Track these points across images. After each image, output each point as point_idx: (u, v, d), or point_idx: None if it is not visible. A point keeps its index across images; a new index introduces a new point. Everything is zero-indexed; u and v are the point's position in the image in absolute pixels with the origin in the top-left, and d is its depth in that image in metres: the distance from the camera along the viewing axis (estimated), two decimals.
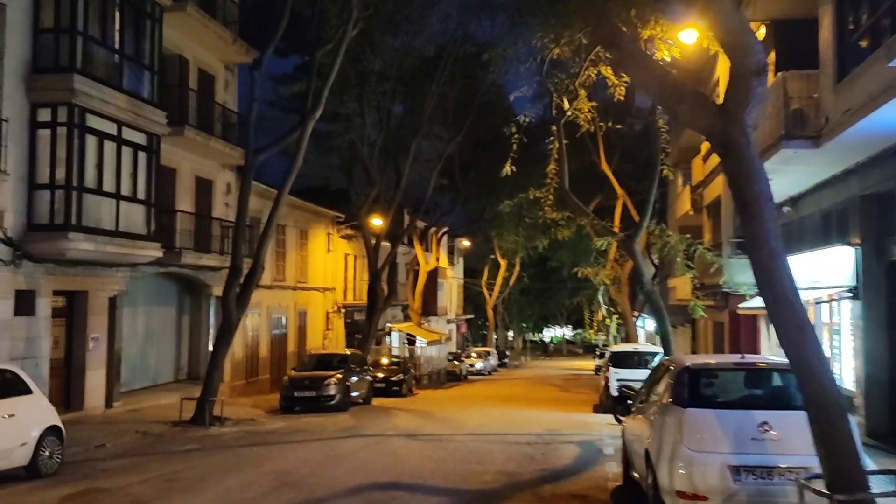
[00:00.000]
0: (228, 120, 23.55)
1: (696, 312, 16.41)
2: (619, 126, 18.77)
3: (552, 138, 17.78)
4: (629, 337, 32.60)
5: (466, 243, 56.58)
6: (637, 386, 18.80)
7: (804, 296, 6.91)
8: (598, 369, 51.78)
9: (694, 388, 7.13)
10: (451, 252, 58.55)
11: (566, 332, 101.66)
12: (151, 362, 22.33)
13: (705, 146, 23.38)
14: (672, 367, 7.86)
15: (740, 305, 18.64)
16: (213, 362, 17.28)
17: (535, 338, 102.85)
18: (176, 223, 20.49)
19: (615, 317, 63.21)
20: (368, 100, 26.10)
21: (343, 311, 34.77)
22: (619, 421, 17.67)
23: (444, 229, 41.38)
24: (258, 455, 12.43)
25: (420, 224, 41.48)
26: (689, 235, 16.62)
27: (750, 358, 8.28)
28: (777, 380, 7.48)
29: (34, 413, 10.34)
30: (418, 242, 38.90)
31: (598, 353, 56.53)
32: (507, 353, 65.70)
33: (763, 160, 15.36)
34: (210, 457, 12.41)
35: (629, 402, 17.65)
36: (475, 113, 31.36)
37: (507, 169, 17.46)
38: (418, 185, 33.65)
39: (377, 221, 29.66)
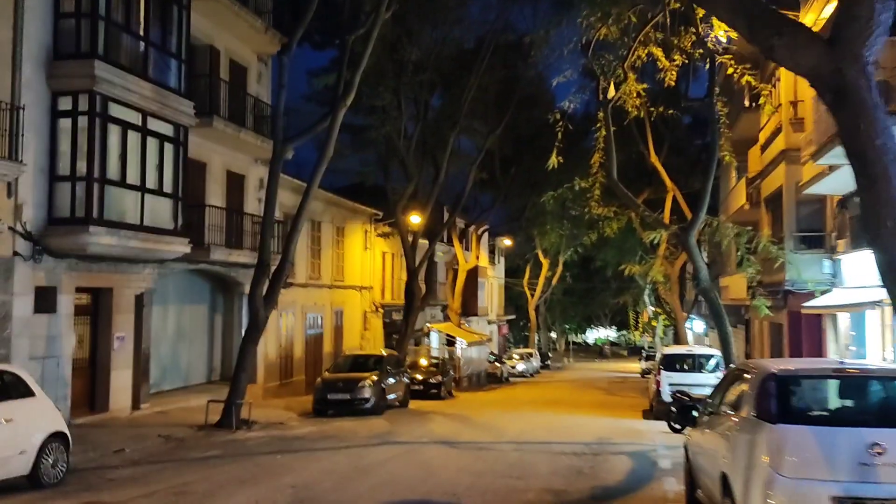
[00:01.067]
0: (261, 112, 22.78)
1: (761, 311, 15.02)
2: (670, 111, 17.46)
3: (598, 125, 16.56)
4: (679, 338, 30.98)
5: (507, 242, 55.29)
6: (694, 392, 17.50)
7: None
8: (644, 372, 50.25)
9: (783, 400, 5.87)
10: (491, 251, 57.34)
11: (610, 333, 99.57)
12: (182, 363, 21.68)
13: (763, 136, 21.86)
14: (752, 374, 6.62)
15: (806, 304, 17.15)
16: (239, 363, 16.46)
17: (579, 339, 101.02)
18: (205, 218, 19.74)
19: (661, 317, 61.26)
20: (405, 91, 25.13)
21: (381, 310, 33.88)
22: (673, 429, 16.32)
23: (484, 227, 40.22)
24: (279, 465, 11.50)
25: (460, 223, 40.49)
26: (750, 228, 15.21)
27: (852, 363, 6.99)
28: (889, 390, 6.19)
29: (36, 418, 9.53)
30: (458, 241, 37.83)
31: (644, 355, 54.72)
32: (550, 354, 64.21)
33: (824, 154, 13.94)
34: (228, 465, 11.52)
35: (687, 410, 16.33)
36: (516, 106, 30.23)
37: (553, 160, 16.35)
38: (457, 182, 32.59)
39: (415, 219, 28.70)
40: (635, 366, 57.73)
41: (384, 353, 23.30)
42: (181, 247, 17.39)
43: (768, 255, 15.56)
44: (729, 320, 39.56)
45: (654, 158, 26.06)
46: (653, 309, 62.68)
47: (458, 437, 15.19)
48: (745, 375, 6.83)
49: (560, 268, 57.44)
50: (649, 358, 51.99)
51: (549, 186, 27.70)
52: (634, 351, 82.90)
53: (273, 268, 17.24)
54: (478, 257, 40.41)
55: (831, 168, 14.32)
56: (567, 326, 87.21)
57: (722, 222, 15.42)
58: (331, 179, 29.38)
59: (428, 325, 36.04)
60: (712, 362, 19.47)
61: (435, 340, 39.60)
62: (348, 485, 9.78)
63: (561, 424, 18.13)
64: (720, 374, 19.22)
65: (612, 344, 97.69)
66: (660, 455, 12.90)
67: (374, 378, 20.78)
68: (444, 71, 26.05)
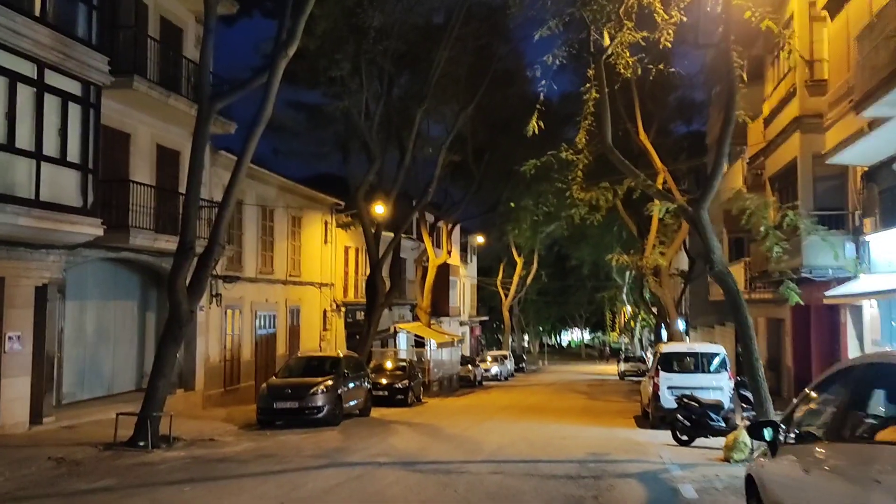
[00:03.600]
0: None
1: (792, 298, 12.51)
2: (671, 69, 14.94)
3: (587, 86, 13.96)
4: (672, 336, 28.56)
5: (480, 240, 52.80)
6: (699, 396, 15.00)
7: None
8: (623, 374, 47.95)
9: None
10: (464, 249, 54.75)
11: (585, 335, 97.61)
12: (105, 368, 18.68)
13: (769, 106, 19.47)
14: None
15: (830, 293, 14.71)
16: (157, 368, 13.54)
17: (553, 341, 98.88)
18: (130, 197, 16.82)
19: (640, 317, 59.17)
20: (366, 61, 22.34)
21: (343, 309, 31.03)
22: (680, 441, 13.80)
23: (455, 219, 37.53)
24: (182, 502, 8.68)
25: (430, 217, 37.76)
26: (775, 199, 12.71)
27: None
28: None
29: None
30: (428, 235, 35.09)
31: (622, 356, 52.39)
32: (525, 357, 61.74)
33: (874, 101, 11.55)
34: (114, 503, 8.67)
35: (700, 419, 13.79)
36: (490, 84, 27.63)
37: (533, 125, 13.71)
38: (426, 171, 29.85)
39: (378, 209, 25.92)
40: (612, 368, 55.45)
41: (341, 354, 20.46)
42: (91, 228, 14.48)
43: (797, 230, 13.04)
44: (712, 319, 37.54)
45: (642, 137, 23.57)
46: (631, 308, 60.71)
47: (423, 455, 12.46)
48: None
49: (535, 266, 55.01)
50: (628, 360, 49.76)
51: (526, 176, 25.28)
52: (610, 353, 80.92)
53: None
54: (449, 252, 37.70)
55: (872, 125, 11.93)
56: (541, 328, 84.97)
57: (741, 192, 12.89)
58: (290, 170, 26.58)
59: (395, 325, 33.22)
60: (716, 361, 16.99)
61: (403, 342, 36.81)
62: None
63: (545, 435, 15.49)
64: (726, 376, 16.81)
65: (587, 346, 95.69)
66: (676, 477, 10.32)
67: (329, 383, 18.00)
68: (411, 40, 23.32)
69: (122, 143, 17.40)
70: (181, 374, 20.11)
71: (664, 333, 46.59)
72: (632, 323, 62.86)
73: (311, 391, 17.54)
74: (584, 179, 14.51)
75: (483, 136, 33.28)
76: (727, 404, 14.60)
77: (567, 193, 14.05)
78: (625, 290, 58.97)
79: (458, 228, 51.49)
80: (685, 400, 13.82)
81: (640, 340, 63.23)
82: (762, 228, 12.18)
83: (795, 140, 16.54)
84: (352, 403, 19.46)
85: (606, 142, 13.42)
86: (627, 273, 56.67)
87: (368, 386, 21.16)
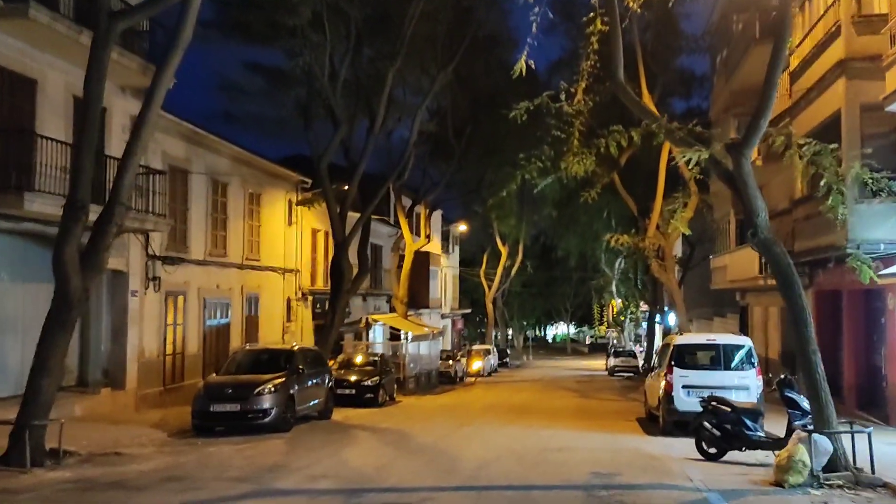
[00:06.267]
0: (137, 26, 16.72)
1: (865, 273, 9.76)
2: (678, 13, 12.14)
3: (591, 15, 11.12)
4: (681, 327, 25.84)
5: (463, 228, 49.93)
6: (724, 396, 12.21)
7: None
8: (612, 370, 45.25)
9: None
10: (445, 238, 51.92)
11: (571, 329, 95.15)
12: (12, 363, 15.60)
13: (795, 59, 16.70)
14: None
15: (884, 272, 11.93)
16: (39, 364, 10.54)
17: (537, 335, 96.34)
18: (35, 156, 13.78)
19: (630, 309, 56.58)
20: (329, 7, 19.32)
21: (310, 298, 28.05)
22: (707, 455, 11.01)
23: (433, 202, 34.61)
24: None
25: (407, 201, 34.76)
26: (836, 146, 9.89)
27: None
28: None
29: None
30: (404, 218, 32.17)
31: (612, 351, 49.74)
32: (509, 351, 59.03)
33: None
34: None
35: (734, 427, 10.91)
36: (472, 49, 24.82)
37: (521, 65, 10.88)
38: (400, 149, 26.85)
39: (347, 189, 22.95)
40: (599, 363, 52.84)
41: (296, 347, 17.53)
42: None
43: (864, 185, 10.23)
44: (710, 311, 34.86)
45: (647, 99, 20.77)
46: (621, 301, 58.05)
47: (379, 478, 9.56)
48: None
49: (520, 256, 52.24)
50: (619, 354, 47.11)
51: (511, 153, 22.49)
52: (596, 347, 78.37)
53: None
54: (428, 238, 34.78)
55: None
56: (526, 322, 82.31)
57: (790, 132, 10.08)
58: (254, 147, 23.51)
59: (369, 316, 30.27)
60: (740, 355, 14.22)
61: (380, 335, 33.85)
62: None
63: (537, 446, 12.67)
64: (754, 373, 14.07)
65: (573, 340, 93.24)
66: None
67: (279, 382, 15.09)
68: None
69: (26, 90, 14.33)
70: (108, 370, 17.14)
71: (657, 328, 44.13)
72: (622, 317, 60.16)
73: (256, 391, 14.64)
74: (584, 135, 11.76)
75: (464, 111, 30.47)
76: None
77: (567, 140, 11.17)
78: (614, 282, 56.32)
79: (438, 216, 48.73)
80: (713, 403, 11.03)
81: (631, 335, 60.65)
82: (822, 183, 9.44)
83: (839, 88, 13.79)
84: (309, 405, 16.62)
85: (617, 77, 10.59)
86: (617, 263, 54.08)
87: (330, 384, 18.29)
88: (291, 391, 15.43)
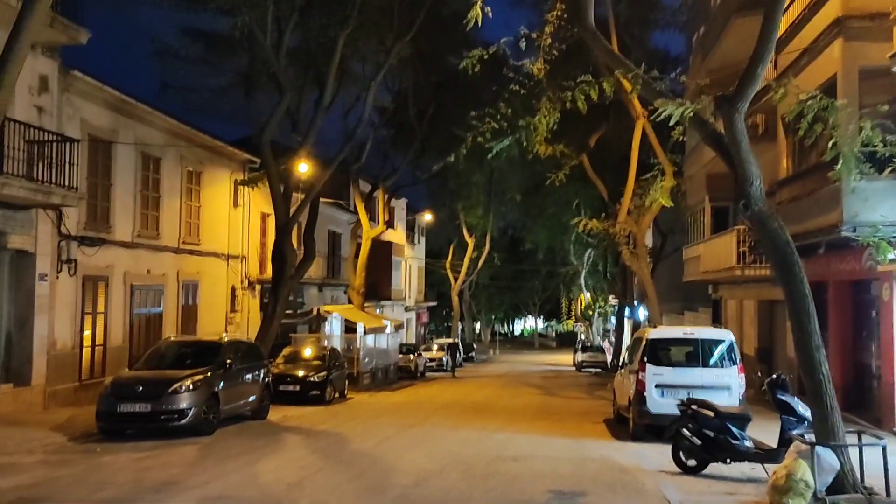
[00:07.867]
0: None
1: (884, 251, 8.21)
2: None
3: None
4: (653, 319, 24.36)
5: (429, 217, 48.18)
6: (704, 398, 10.55)
7: None
8: (580, 365, 43.88)
9: None
10: (410, 229, 50.15)
11: (539, 323, 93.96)
12: None
13: (784, 21, 15.13)
14: None
15: (893, 256, 10.40)
16: None
17: (505, 330, 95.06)
18: None
19: (598, 303, 55.34)
20: None
21: (258, 287, 26.09)
22: (684, 468, 9.40)
23: (393, 186, 32.76)
24: None
25: (365, 186, 32.88)
26: (845, 101, 8.30)
27: None
28: None
29: None
30: (361, 203, 30.30)
31: (579, 346, 48.41)
32: (474, 345, 57.44)
33: None
34: None
35: (716, 434, 9.09)
36: (432, 23, 23.02)
37: (476, 12, 9.16)
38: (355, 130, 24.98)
39: (303, 167, 20.99)
40: (567, 357, 51.50)
41: (226, 339, 15.64)
42: None
43: (867, 157, 8.61)
44: (678, 306, 33.46)
45: (619, 74, 19.10)
46: (590, 295, 56.80)
47: (288, 499, 7.78)
48: None
49: (487, 248, 50.67)
50: (586, 349, 45.78)
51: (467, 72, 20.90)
52: (565, 341, 77.17)
53: None
54: (388, 223, 32.88)
55: None
56: (493, 316, 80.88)
57: (791, 85, 8.51)
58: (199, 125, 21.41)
59: (319, 307, 28.36)
60: (720, 351, 12.67)
61: (337, 328, 31.94)
62: None
63: (489, 454, 10.98)
64: (735, 371, 12.52)
65: (541, 335, 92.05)
66: None
67: (199, 378, 13.23)
68: None
69: None
70: (9, 364, 15.11)
71: (626, 322, 42.76)
72: (590, 311, 58.88)
73: (172, 389, 12.76)
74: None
75: (427, 91, 28.72)
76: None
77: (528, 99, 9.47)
78: (583, 274, 54.99)
79: (403, 204, 46.89)
80: (694, 407, 9.41)
81: (600, 329, 59.43)
82: (830, 145, 7.86)
83: (835, 50, 12.29)
84: (239, 403, 14.78)
85: (587, 22, 8.94)
86: (587, 255, 52.77)
87: (267, 380, 16.43)
88: (216, 389, 13.59)
